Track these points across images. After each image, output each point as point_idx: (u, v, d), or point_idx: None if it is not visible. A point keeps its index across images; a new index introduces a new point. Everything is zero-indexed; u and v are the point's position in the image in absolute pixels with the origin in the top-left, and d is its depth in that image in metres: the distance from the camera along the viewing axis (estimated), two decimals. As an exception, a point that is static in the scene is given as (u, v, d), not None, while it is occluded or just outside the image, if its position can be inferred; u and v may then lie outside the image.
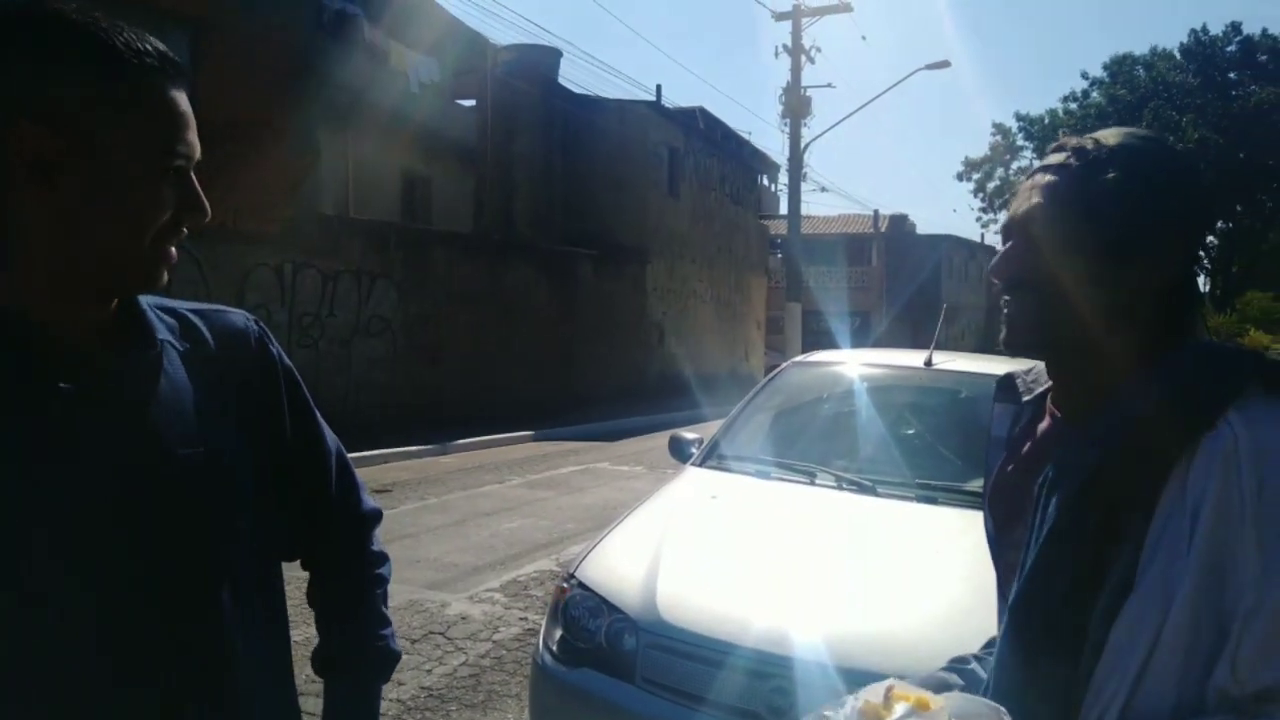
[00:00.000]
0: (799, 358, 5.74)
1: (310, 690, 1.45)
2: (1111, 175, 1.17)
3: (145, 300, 1.20)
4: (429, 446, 13.21)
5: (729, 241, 28.54)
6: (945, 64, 24.68)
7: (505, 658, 5.17)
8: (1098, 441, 1.15)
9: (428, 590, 6.42)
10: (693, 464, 4.55)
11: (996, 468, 1.41)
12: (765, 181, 32.89)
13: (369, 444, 12.06)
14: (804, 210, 26.21)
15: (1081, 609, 1.11)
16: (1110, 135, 1.22)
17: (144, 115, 1.06)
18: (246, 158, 11.65)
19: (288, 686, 1.36)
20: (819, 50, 31.55)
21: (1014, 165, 54.20)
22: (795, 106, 25.14)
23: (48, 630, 1.04)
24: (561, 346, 19.72)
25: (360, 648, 1.44)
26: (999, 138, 54.42)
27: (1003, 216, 1.32)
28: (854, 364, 5.15)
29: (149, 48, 1.07)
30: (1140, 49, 52.93)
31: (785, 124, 25.53)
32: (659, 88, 25.11)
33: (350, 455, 1.50)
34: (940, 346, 4.97)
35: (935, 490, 3.88)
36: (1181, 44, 46.46)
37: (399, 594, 6.19)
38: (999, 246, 1.33)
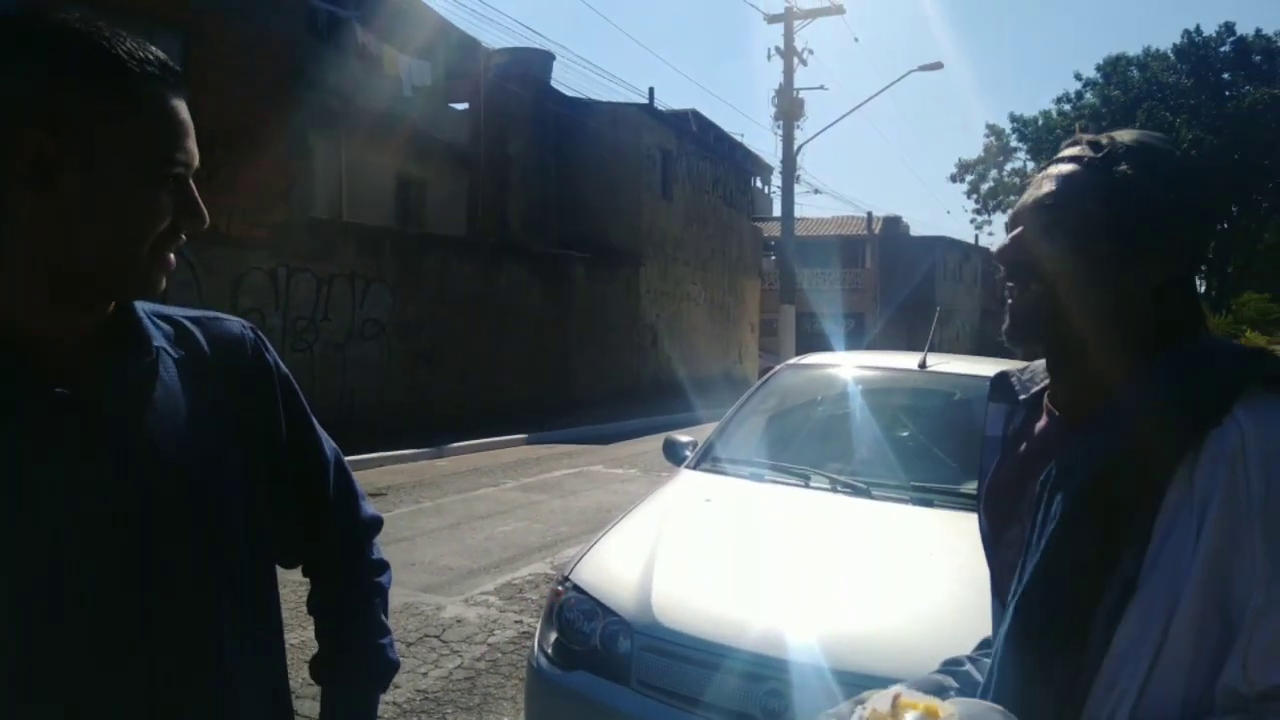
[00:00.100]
0: (793, 360, 5.74)
1: (307, 694, 1.45)
2: (1125, 168, 1.19)
3: (142, 307, 1.20)
4: (423, 450, 13.20)
5: (722, 244, 28.56)
6: (938, 65, 24.72)
7: (500, 661, 5.17)
8: (1101, 438, 1.14)
9: (423, 593, 6.41)
10: (687, 467, 4.55)
11: (992, 468, 1.40)
12: (759, 184, 32.95)
13: (364, 447, 12.04)
14: (797, 212, 26.21)
15: (1086, 608, 1.10)
16: (1125, 134, 1.24)
17: (144, 123, 1.07)
18: (240, 162, 11.65)
19: (282, 691, 1.36)
20: (811, 52, 31.69)
21: (1008, 167, 54.38)
22: (788, 109, 25.16)
23: (41, 633, 1.05)
24: (555, 349, 19.72)
25: (359, 656, 1.44)
26: (992, 139, 54.56)
27: (997, 218, 1.33)
28: (848, 366, 5.16)
29: (150, 56, 1.07)
30: (1134, 50, 53.10)
31: (778, 126, 25.58)
32: (652, 90, 25.16)
33: (345, 459, 1.50)
34: (935, 348, 4.98)
35: (930, 492, 3.88)
36: (1175, 45, 46.68)
37: (394, 597, 6.11)
38: (994, 247, 1.33)
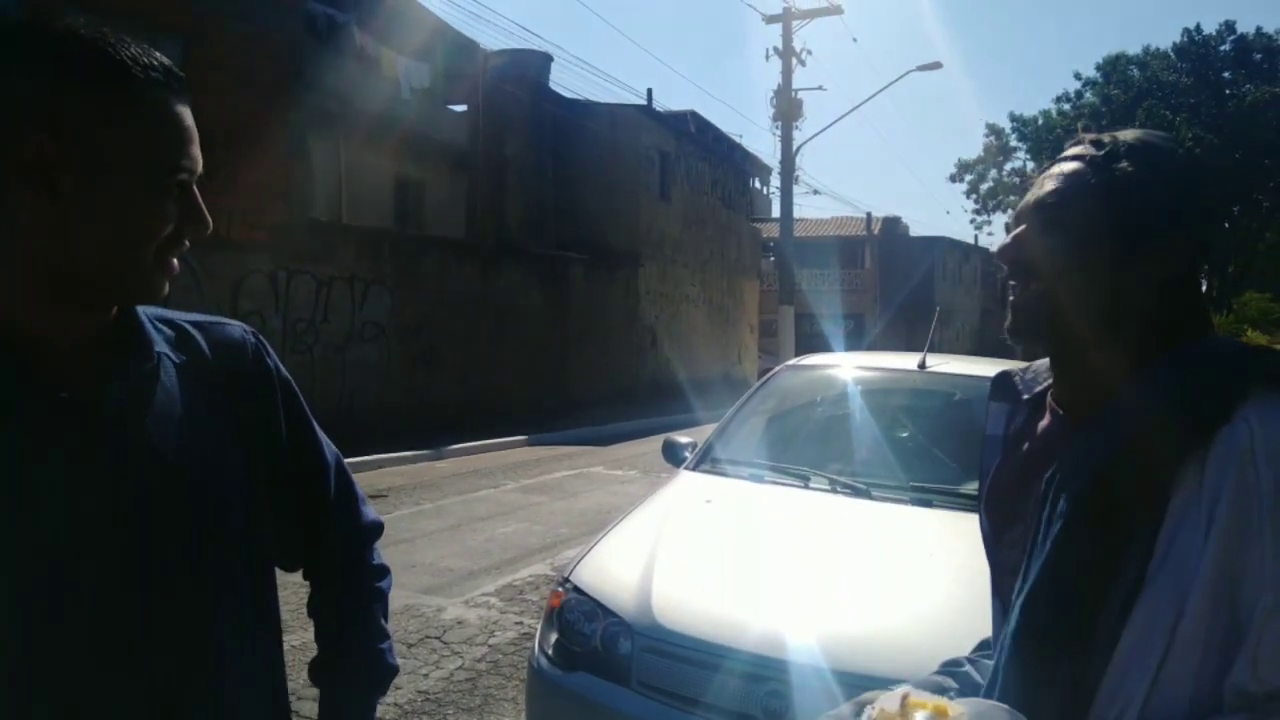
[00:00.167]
0: (792, 361, 5.75)
1: (308, 694, 1.45)
2: (1126, 165, 1.19)
3: (144, 311, 1.21)
4: (423, 451, 13.21)
5: (721, 245, 28.56)
6: (937, 65, 24.73)
7: (501, 662, 5.17)
8: (1106, 437, 1.14)
9: (423, 595, 6.41)
10: (687, 468, 4.56)
11: (993, 468, 1.40)
12: (757, 184, 32.93)
13: (364, 449, 12.04)
14: (796, 213, 26.23)
15: (1092, 608, 1.10)
16: (1128, 133, 1.24)
17: (148, 129, 1.07)
18: (239, 165, 11.65)
19: (281, 692, 1.36)
20: (810, 53, 31.73)
21: (1007, 166, 54.22)
22: (786, 109, 25.17)
23: (41, 633, 1.05)
24: (554, 350, 19.73)
25: (358, 660, 1.45)
26: (992, 139, 54.41)
27: (996, 218, 1.33)
28: (848, 367, 5.16)
29: (155, 62, 1.08)
30: (1134, 49, 53.03)
31: (777, 127, 25.58)
32: (650, 91, 25.23)
33: (345, 461, 1.50)
34: (934, 349, 4.98)
35: (930, 493, 3.89)
36: (1175, 43, 46.46)
37: (395, 598, 6.12)
38: (996, 245, 1.33)
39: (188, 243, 1.15)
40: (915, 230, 46.74)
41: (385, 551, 1.53)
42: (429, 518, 9.16)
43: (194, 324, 1.29)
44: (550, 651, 3.21)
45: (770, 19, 25.55)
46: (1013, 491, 1.33)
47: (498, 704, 4.62)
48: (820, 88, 71.54)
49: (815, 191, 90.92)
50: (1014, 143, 52.59)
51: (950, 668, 1.45)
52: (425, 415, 15.36)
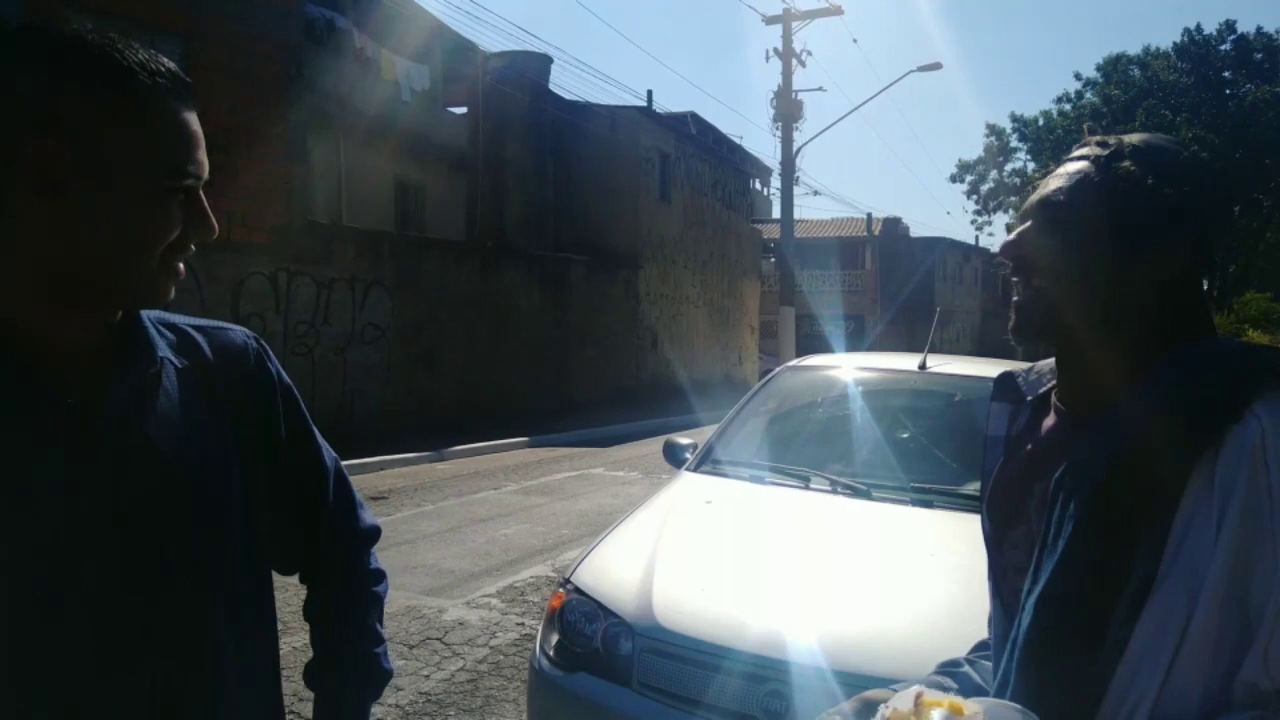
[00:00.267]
0: (793, 362, 5.74)
1: (308, 695, 1.45)
2: (1129, 165, 1.20)
3: (147, 315, 1.21)
4: (424, 453, 13.22)
5: (722, 246, 28.56)
6: (937, 66, 24.74)
7: (503, 663, 5.18)
8: (1117, 436, 1.14)
9: (425, 596, 6.41)
10: (687, 469, 4.56)
11: (995, 468, 1.40)
12: (758, 185, 32.98)
13: (365, 451, 12.06)
14: (797, 214, 26.22)
15: (1105, 606, 1.10)
16: (1134, 135, 1.25)
17: (156, 134, 1.07)
18: (239, 167, 11.67)
19: (274, 696, 1.37)
20: (810, 54, 31.71)
21: (1008, 167, 54.19)
22: (787, 110, 25.18)
23: (41, 633, 1.06)
24: (555, 352, 19.74)
25: (352, 664, 1.46)
26: (992, 139, 54.36)
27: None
28: (848, 368, 5.16)
29: (161, 68, 1.08)
30: (1134, 49, 52.92)
31: (777, 128, 25.58)
32: (650, 93, 25.23)
33: (346, 463, 1.51)
34: (935, 349, 4.98)
35: (930, 494, 3.89)
36: (1175, 43, 46.43)
37: (396, 600, 6.18)
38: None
39: (193, 247, 1.15)
40: (916, 231, 46.67)
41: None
42: (430, 519, 9.16)
43: (196, 328, 1.30)
44: (551, 652, 3.22)
45: (770, 20, 25.55)
46: (1016, 492, 1.32)
47: (499, 705, 4.62)
48: (820, 89, 71.99)
49: (816, 192, 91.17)
50: (1014, 143, 52.57)
51: (948, 668, 1.45)
52: (426, 417, 15.37)
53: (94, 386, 1.11)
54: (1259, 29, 44.78)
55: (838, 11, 24.99)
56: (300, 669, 1.48)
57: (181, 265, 1.15)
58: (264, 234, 12.84)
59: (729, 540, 3.67)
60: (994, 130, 54.14)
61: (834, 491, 4.01)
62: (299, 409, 1.41)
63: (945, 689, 1.35)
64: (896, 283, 40.52)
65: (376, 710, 4.41)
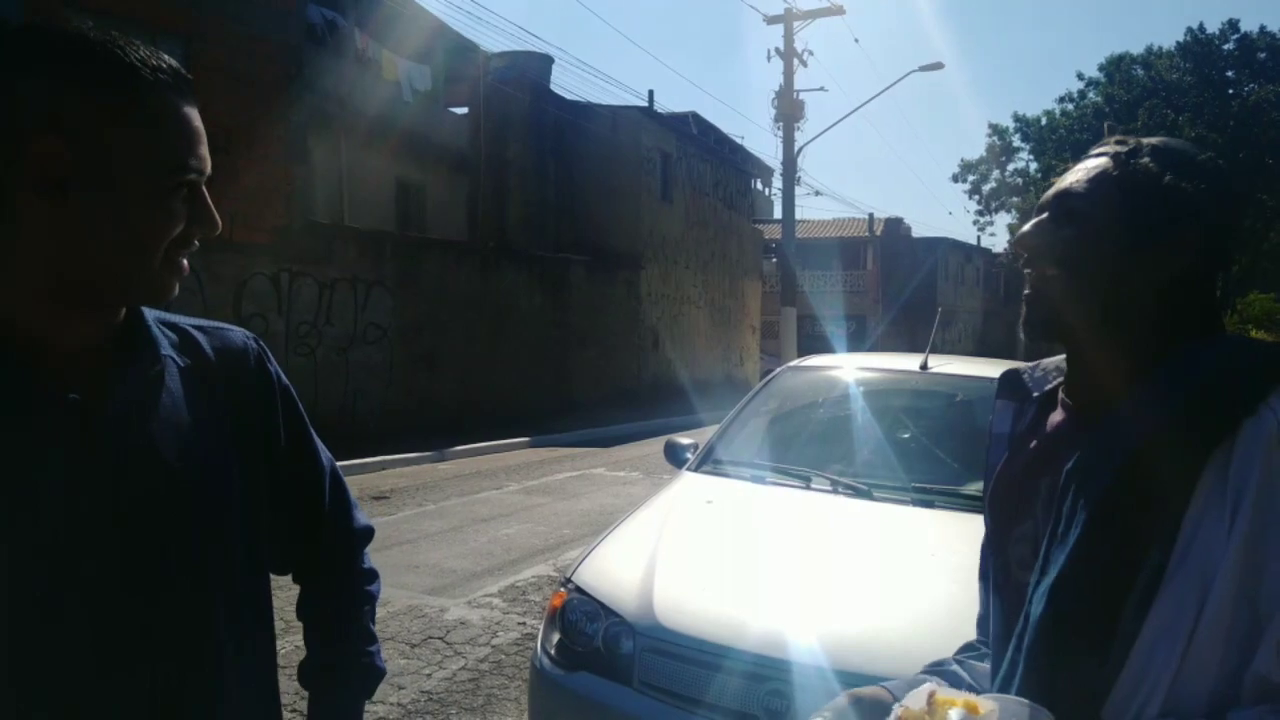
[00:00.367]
0: (794, 362, 5.74)
1: (305, 694, 1.46)
2: (1146, 161, 1.22)
3: (149, 314, 1.22)
4: (426, 453, 13.23)
5: (723, 246, 28.56)
6: (939, 66, 24.69)
7: (504, 662, 5.18)
8: (1130, 430, 1.15)
9: (427, 595, 6.42)
10: (688, 469, 4.56)
11: (999, 464, 1.40)
12: (759, 186, 32.97)
13: (366, 451, 12.05)
14: (798, 214, 26.19)
15: (1118, 600, 1.10)
16: (1153, 137, 1.28)
17: (158, 131, 1.08)
18: (240, 167, 11.68)
19: (272, 695, 1.38)
20: (811, 54, 31.68)
21: (1010, 167, 54.03)
22: (788, 110, 25.16)
23: (41, 633, 1.06)
24: (556, 352, 19.75)
25: (345, 664, 1.47)
26: (995, 139, 54.24)
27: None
28: (849, 368, 5.16)
29: (163, 64, 1.09)
30: (1137, 48, 52.84)
31: (778, 128, 25.54)
32: (651, 93, 25.20)
33: (348, 462, 1.52)
34: (936, 350, 4.98)
35: (931, 494, 3.89)
36: (1178, 42, 46.21)
37: (398, 599, 6.20)
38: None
39: (196, 244, 1.15)
40: (917, 231, 46.65)
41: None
42: (431, 519, 9.17)
43: (197, 328, 1.30)
44: (553, 651, 3.22)
45: (771, 20, 25.53)
46: (1021, 487, 1.33)
47: (500, 704, 4.63)
48: (822, 89, 71.98)
49: (817, 192, 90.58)
50: (1017, 143, 52.37)
51: (935, 668, 1.45)
52: (427, 417, 15.39)
53: (95, 386, 1.11)
54: (1262, 28, 44.62)
55: (839, 11, 24.96)
56: (294, 669, 1.49)
57: (185, 261, 1.15)
58: (265, 234, 12.85)
59: (730, 540, 3.67)
60: (996, 130, 53.99)
61: (835, 491, 4.01)
62: (297, 410, 1.42)
63: (960, 682, 1.35)
64: (898, 283, 40.51)
65: (379, 709, 4.42)
